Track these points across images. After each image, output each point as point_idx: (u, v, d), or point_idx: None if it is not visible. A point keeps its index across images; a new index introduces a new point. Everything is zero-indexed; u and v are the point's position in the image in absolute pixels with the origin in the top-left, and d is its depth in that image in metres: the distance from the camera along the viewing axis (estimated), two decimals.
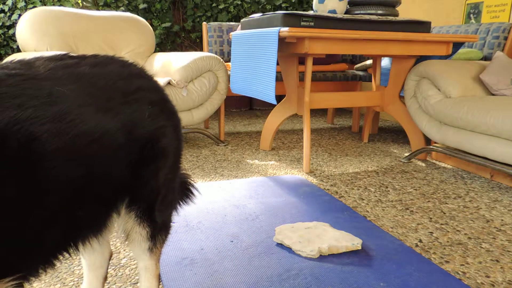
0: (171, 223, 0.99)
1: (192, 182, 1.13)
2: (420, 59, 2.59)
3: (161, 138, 0.84)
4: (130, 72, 0.84)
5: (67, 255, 0.72)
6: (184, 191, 1.10)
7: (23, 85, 0.63)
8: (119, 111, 0.75)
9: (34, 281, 0.84)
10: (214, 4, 4.11)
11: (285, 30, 2.03)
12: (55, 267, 0.69)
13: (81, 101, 0.69)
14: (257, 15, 2.40)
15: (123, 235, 0.89)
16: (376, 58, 2.84)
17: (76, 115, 0.66)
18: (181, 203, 1.09)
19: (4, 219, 0.57)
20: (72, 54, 0.81)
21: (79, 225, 0.71)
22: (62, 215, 0.65)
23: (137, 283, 1.17)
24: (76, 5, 3.70)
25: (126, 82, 0.81)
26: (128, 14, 3.06)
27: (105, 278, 1.05)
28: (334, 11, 2.36)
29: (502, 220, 1.66)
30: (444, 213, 1.71)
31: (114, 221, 0.85)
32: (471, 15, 3.18)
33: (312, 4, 4.26)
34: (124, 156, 0.76)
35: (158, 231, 0.90)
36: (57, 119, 0.63)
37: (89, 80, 0.74)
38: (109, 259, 1.05)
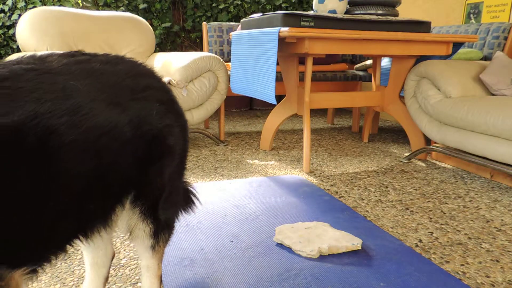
0: (175, 223, 0.99)
1: (194, 191, 1.14)
2: (420, 59, 2.59)
3: (168, 137, 0.85)
4: (140, 71, 0.86)
5: (78, 242, 0.75)
6: (186, 200, 1.11)
7: (38, 79, 0.65)
8: (128, 106, 0.77)
9: (38, 278, 0.84)
10: (214, 4, 4.11)
11: (285, 30, 2.03)
12: (67, 252, 0.72)
13: (93, 95, 0.72)
14: (257, 15, 2.40)
15: (127, 232, 0.89)
16: (376, 58, 2.84)
17: (88, 109, 0.69)
18: (182, 211, 1.10)
19: (24, 210, 0.59)
20: (84, 52, 0.83)
21: (89, 215, 0.73)
22: (74, 205, 0.67)
23: (137, 283, 1.17)
24: (76, 5, 3.70)
25: (135, 80, 0.83)
26: (128, 14, 3.06)
27: (107, 279, 1.05)
28: (334, 11, 2.36)
29: (502, 220, 1.66)
30: (444, 213, 1.71)
31: (118, 216, 0.86)
32: (471, 15, 3.18)
33: (312, 4, 4.26)
34: (131, 150, 0.77)
35: (161, 229, 0.91)
36: (72, 112, 0.65)
37: (99, 76, 0.76)
38: (112, 259, 1.06)
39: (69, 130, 0.64)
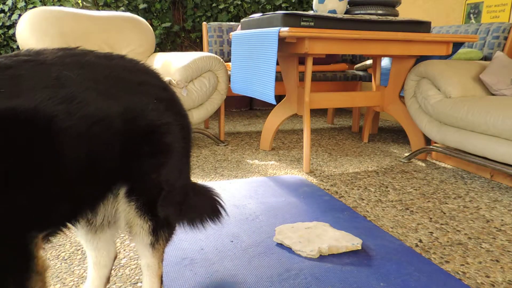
0: (176, 222, 0.99)
1: (221, 201, 1.13)
2: (420, 59, 2.59)
3: (166, 135, 0.85)
4: (138, 68, 0.87)
5: (70, 225, 0.81)
6: (213, 209, 1.11)
7: (34, 69, 0.70)
8: (121, 98, 0.79)
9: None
10: (214, 4, 4.11)
11: (285, 30, 2.03)
12: (61, 232, 0.79)
13: (85, 85, 0.74)
14: (257, 15, 2.40)
15: (126, 228, 0.90)
16: (376, 58, 2.84)
17: (82, 98, 0.72)
18: (208, 220, 1.10)
19: (33, 187, 0.66)
20: (83, 48, 0.85)
21: (80, 197, 0.77)
22: (69, 187, 0.72)
23: (137, 283, 1.17)
24: (76, 5, 3.70)
25: (132, 75, 0.84)
26: (128, 14, 3.06)
27: (108, 279, 1.06)
28: (334, 11, 2.36)
29: (502, 220, 1.66)
30: (444, 213, 1.71)
31: (117, 208, 0.87)
32: (471, 15, 3.18)
33: (312, 4, 4.26)
34: (123, 142, 0.78)
35: (161, 226, 0.91)
36: (67, 100, 0.70)
37: (94, 68, 0.78)
38: (114, 260, 1.06)
39: (65, 116, 0.68)
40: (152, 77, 0.89)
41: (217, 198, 1.13)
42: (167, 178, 0.88)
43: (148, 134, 0.82)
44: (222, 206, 1.13)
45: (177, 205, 0.95)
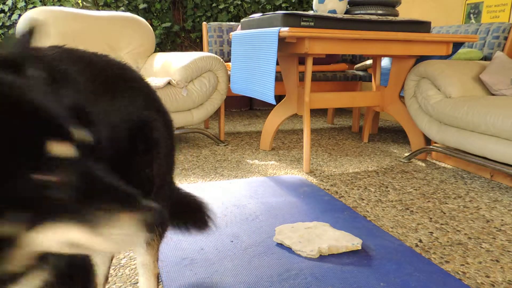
0: (168, 220, 0.99)
1: (208, 209, 1.08)
2: (420, 59, 2.59)
3: (154, 131, 0.88)
4: (123, 66, 0.90)
5: None
6: (201, 216, 1.08)
7: (40, 63, 0.72)
8: (115, 93, 0.81)
9: None
10: (214, 4, 4.11)
11: (285, 30, 2.03)
12: None
13: (83, 80, 0.76)
14: (257, 15, 2.40)
15: None
16: (376, 58, 2.84)
17: (85, 92, 0.75)
18: (194, 227, 1.07)
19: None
20: (70, 46, 0.86)
21: None
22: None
23: (137, 283, 1.17)
24: (76, 5, 3.70)
25: (121, 72, 0.86)
26: (128, 14, 3.06)
27: (107, 278, 1.05)
28: (334, 11, 2.36)
29: (502, 220, 1.66)
30: (444, 213, 1.71)
31: None
32: (471, 15, 3.18)
33: (312, 4, 4.26)
34: (119, 136, 0.80)
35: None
36: (75, 92, 0.72)
37: (87, 65, 0.80)
38: (112, 259, 1.06)
39: (80, 107, 0.71)
40: (137, 75, 0.91)
41: (204, 209, 1.10)
42: (158, 173, 0.89)
43: (140, 129, 0.84)
44: (209, 217, 1.09)
45: (167, 200, 0.96)
